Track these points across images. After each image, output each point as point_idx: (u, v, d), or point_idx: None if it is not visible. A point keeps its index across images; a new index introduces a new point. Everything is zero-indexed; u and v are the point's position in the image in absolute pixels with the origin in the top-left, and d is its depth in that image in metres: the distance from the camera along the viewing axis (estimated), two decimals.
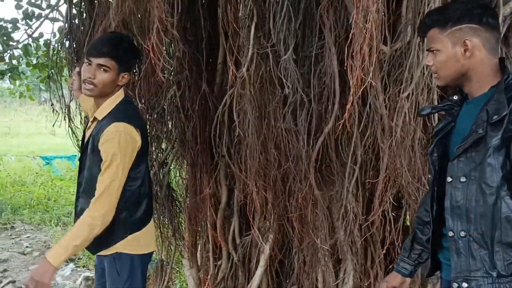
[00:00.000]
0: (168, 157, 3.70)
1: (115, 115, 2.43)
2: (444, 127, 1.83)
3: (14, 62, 6.87)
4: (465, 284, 1.66)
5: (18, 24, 6.46)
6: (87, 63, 2.43)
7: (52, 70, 3.92)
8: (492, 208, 1.62)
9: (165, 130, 3.44)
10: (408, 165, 2.47)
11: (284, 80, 2.48)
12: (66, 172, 10.39)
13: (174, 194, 3.79)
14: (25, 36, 6.08)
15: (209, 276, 3.70)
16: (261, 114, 2.64)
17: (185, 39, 3.09)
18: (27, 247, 6.58)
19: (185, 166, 3.57)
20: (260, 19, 2.54)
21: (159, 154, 3.68)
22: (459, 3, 1.74)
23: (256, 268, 3.43)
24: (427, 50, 1.81)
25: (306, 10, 2.57)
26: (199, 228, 3.78)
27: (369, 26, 2.06)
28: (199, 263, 3.92)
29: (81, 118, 3.74)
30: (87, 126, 2.61)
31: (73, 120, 3.82)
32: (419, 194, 2.53)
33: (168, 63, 3.12)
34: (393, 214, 2.61)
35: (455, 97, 1.84)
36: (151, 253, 2.68)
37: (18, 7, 6.60)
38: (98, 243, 2.44)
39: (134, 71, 3.11)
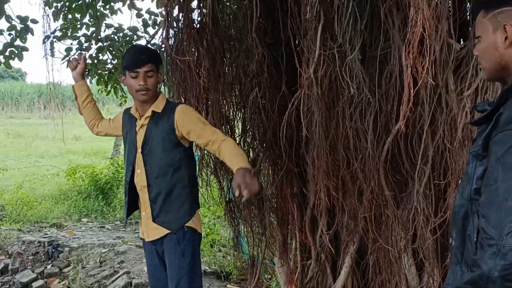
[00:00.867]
0: (258, 157, 3.85)
1: (172, 104, 2.96)
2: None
3: None
4: None
5: (138, 32, 7.04)
6: (134, 75, 2.84)
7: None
8: (462, 222, 1.48)
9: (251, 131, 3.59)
10: None
11: (348, 80, 2.52)
12: None
13: (264, 193, 3.93)
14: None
15: (296, 275, 3.79)
16: (328, 114, 2.70)
17: (265, 42, 3.22)
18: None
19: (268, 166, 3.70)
20: (327, 20, 2.60)
21: (248, 153, 3.84)
22: None
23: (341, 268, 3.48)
24: (475, 38, 1.61)
25: (373, 10, 2.59)
26: (289, 227, 3.89)
27: (435, 23, 2.05)
28: (290, 262, 4.04)
29: None
30: (139, 127, 2.97)
31: None
32: None
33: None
34: None
35: None
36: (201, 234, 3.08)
37: (138, 15, 7.17)
38: (176, 218, 2.89)
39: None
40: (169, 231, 2.89)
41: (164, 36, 3.80)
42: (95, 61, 6.98)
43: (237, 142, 3.84)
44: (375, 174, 2.63)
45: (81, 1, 6.90)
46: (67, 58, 7.13)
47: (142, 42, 7.03)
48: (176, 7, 3.74)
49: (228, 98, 3.67)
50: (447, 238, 2.62)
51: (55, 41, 7.06)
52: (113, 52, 7.03)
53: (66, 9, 7.13)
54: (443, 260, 2.82)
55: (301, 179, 3.59)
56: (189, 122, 2.82)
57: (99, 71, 7.39)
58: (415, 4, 2.09)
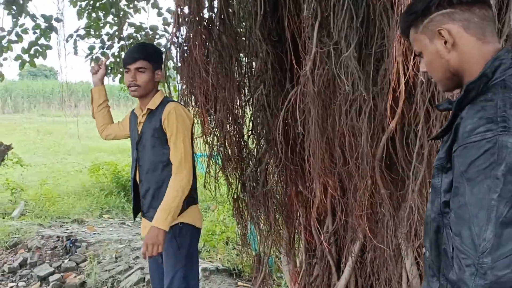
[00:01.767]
0: (265, 155, 3.89)
1: (166, 101, 3.00)
2: None
3: None
4: None
5: (158, 31, 7.15)
6: (126, 71, 2.96)
7: None
8: (435, 236, 1.47)
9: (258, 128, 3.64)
10: None
11: (343, 78, 2.54)
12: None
13: (270, 191, 3.96)
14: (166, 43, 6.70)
15: (301, 273, 3.82)
16: (325, 112, 2.72)
17: (270, 40, 3.27)
18: None
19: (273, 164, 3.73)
20: (323, 18, 2.63)
21: (256, 151, 3.89)
22: None
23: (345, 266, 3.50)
24: (418, 56, 1.58)
25: (369, 7, 2.61)
26: (295, 225, 3.92)
27: None
28: (297, 259, 4.07)
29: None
30: (138, 124, 3.08)
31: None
32: None
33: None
34: None
35: None
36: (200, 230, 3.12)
37: (159, 14, 7.28)
38: None
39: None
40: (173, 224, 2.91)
41: (173, 33, 3.89)
42: (118, 59, 7.12)
43: (245, 140, 3.91)
44: (371, 172, 2.65)
45: (105, 0, 7.06)
46: (89, 56, 7.30)
47: (163, 41, 7.15)
48: (187, 4, 3.82)
49: (236, 96, 3.72)
50: None
51: (78, 40, 7.23)
52: None
53: (90, 7, 7.29)
54: None
55: (306, 177, 3.62)
56: (168, 124, 2.89)
57: (121, 69, 7.51)
58: (405, 2, 2.11)
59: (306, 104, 2.69)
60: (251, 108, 3.71)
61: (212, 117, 3.90)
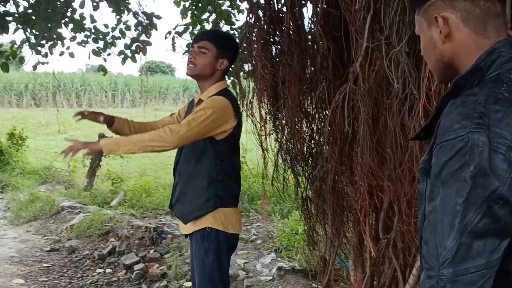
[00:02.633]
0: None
1: (218, 93, 2.87)
2: None
3: None
4: None
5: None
6: (191, 50, 2.88)
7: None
8: (421, 248, 1.30)
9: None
10: None
11: (392, 75, 2.40)
12: None
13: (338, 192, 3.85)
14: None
15: (365, 280, 3.68)
16: (376, 110, 2.58)
17: (331, 35, 3.16)
18: (254, 234, 7.28)
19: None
20: (376, 11, 2.50)
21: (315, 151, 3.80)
22: None
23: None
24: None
25: None
26: (362, 230, 3.77)
27: None
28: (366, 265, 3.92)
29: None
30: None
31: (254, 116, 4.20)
32: None
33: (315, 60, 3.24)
34: None
35: None
36: (237, 235, 3.00)
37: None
38: (188, 212, 2.89)
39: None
40: (191, 229, 2.90)
41: (246, 28, 3.89)
42: None
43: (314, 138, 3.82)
44: None
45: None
46: (186, 54, 7.50)
47: None
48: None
49: (304, 93, 3.65)
50: None
51: (177, 37, 7.45)
52: None
53: (194, 7, 7.49)
54: None
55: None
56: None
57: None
58: None
59: (356, 102, 2.56)
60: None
61: (281, 114, 3.86)
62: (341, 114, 2.72)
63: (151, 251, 6.28)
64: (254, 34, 3.85)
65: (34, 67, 7.57)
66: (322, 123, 3.44)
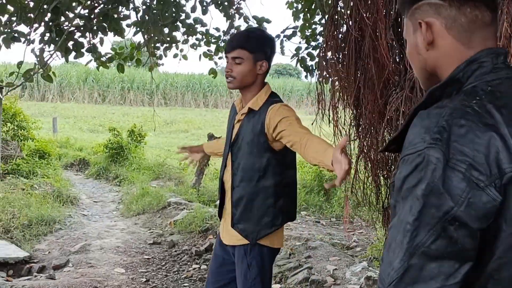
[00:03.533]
0: None
1: (272, 101, 2.69)
2: None
3: None
4: None
5: None
6: (227, 61, 2.71)
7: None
8: None
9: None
10: None
11: None
12: None
13: None
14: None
15: None
16: None
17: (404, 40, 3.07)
18: (354, 241, 7.21)
19: None
20: None
21: None
22: None
23: None
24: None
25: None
26: None
27: None
28: None
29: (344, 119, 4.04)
30: (236, 121, 2.83)
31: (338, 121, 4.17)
32: None
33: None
34: None
35: None
36: (279, 249, 2.89)
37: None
38: (255, 230, 2.73)
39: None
40: (247, 242, 2.73)
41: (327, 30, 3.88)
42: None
43: None
44: None
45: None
46: (295, 58, 7.58)
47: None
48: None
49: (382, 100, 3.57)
50: None
51: (285, 40, 7.55)
52: None
53: (307, 9, 7.57)
54: None
55: None
56: (277, 118, 2.57)
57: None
58: None
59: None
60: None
61: (361, 120, 3.81)
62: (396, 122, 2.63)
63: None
64: (331, 44, 3.84)
65: (150, 69, 8.03)
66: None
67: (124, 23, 6.64)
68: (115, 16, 6.20)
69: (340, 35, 3.70)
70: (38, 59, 5.63)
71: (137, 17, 7.22)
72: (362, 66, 3.44)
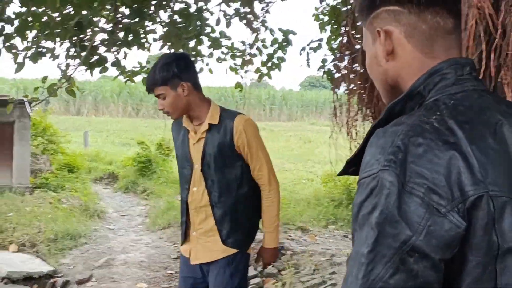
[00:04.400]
0: None
1: (230, 113, 2.79)
2: None
3: None
4: None
5: None
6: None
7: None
8: None
9: None
10: None
11: None
12: None
13: None
14: None
15: None
16: None
17: None
18: None
19: None
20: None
21: None
22: None
23: None
24: None
25: None
26: None
27: None
28: None
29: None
30: (195, 140, 2.79)
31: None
32: None
33: None
34: None
35: None
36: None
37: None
38: (247, 236, 2.86)
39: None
40: (221, 254, 2.77)
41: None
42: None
43: None
44: None
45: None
46: (322, 69, 7.51)
47: None
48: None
49: None
50: None
51: (311, 52, 7.49)
52: None
53: (333, 21, 7.51)
54: None
55: None
56: (244, 138, 2.71)
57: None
58: None
59: None
60: None
61: None
62: None
63: (269, 267, 6.33)
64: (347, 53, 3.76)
65: None
66: None
67: (150, 37, 6.68)
68: (139, 30, 6.24)
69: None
70: (62, 73, 5.70)
71: (163, 31, 7.26)
72: None
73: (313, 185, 11.15)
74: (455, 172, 0.93)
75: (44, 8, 5.25)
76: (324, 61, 7.35)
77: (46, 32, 5.40)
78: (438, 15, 1.10)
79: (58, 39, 5.63)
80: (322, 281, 5.69)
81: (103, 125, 23.97)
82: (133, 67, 6.90)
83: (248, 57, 8.09)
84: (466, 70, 1.08)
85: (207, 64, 7.99)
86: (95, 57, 5.92)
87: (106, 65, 5.96)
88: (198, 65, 8.04)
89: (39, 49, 5.49)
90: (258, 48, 7.99)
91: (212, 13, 7.35)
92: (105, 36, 5.84)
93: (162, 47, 7.17)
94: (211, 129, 2.75)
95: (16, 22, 5.24)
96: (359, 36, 3.69)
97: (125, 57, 6.43)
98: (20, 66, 5.16)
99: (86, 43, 5.85)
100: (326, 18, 7.44)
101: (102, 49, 5.99)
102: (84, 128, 19.77)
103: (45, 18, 5.50)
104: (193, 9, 6.86)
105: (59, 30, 5.48)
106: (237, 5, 7.13)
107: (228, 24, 7.39)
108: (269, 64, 8.02)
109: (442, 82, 1.06)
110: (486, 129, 1.00)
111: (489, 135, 0.99)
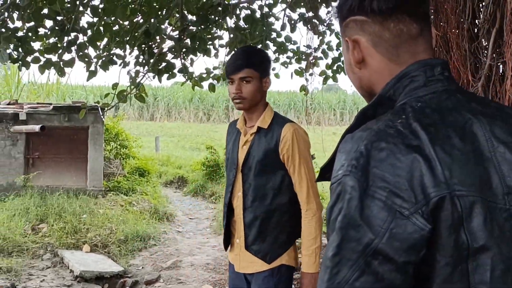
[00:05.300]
0: None
1: (281, 120, 2.72)
2: None
3: None
4: None
5: None
6: (230, 82, 2.69)
7: None
8: None
9: None
10: None
11: None
12: None
13: None
14: None
15: None
16: None
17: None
18: None
19: None
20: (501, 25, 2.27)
21: None
22: None
23: None
24: None
25: None
26: None
27: None
28: None
29: None
30: (243, 142, 2.78)
31: None
32: None
33: None
34: None
35: None
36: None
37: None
38: (273, 249, 2.69)
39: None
40: (264, 267, 2.68)
41: None
42: None
43: None
44: None
45: None
46: None
47: None
48: None
49: None
50: None
51: None
52: None
53: None
54: None
55: None
56: (289, 148, 2.63)
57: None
58: None
59: None
60: None
61: None
62: None
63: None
64: None
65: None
66: None
67: (217, 43, 6.85)
68: (204, 36, 6.41)
69: None
70: (131, 80, 5.95)
71: (229, 37, 7.42)
72: None
73: None
74: (418, 175, 0.95)
75: (114, 18, 5.52)
76: None
77: (116, 40, 5.66)
78: (401, 22, 1.13)
79: (127, 47, 5.90)
80: None
81: (174, 130, 24.51)
82: (201, 73, 7.09)
83: (313, 60, 8.13)
84: (437, 70, 1.10)
85: (273, 69, 8.10)
86: (163, 64, 6.14)
87: (173, 71, 6.17)
88: None
89: (110, 57, 5.76)
90: (323, 51, 8.01)
91: (277, 19, 7.45)
92: (172, 43, 6.05)
93: (228, 53, 7.34)
94: (259, 133, 2.72)
95: (88, 32, 5.53)
96: None
97: (191, 64, 6.62)
98: (92, 74, 5.42)
99: (154, 51, 6.09)
100: None
101: (169, 56, 6.21)
102: (157, 133, 20.31)
103: (116, 27, 5.78)
104: (258, 14, 6.98)
105: (128, 38, 5.73)
106: (302, 9, 7.18)
107: (293, 29, 7.46)
108: (335, 67, 8.02)
109: (411, 85, 1.09)
110: (452, 130, 1.01)
111: (455, 136, 1.00)
